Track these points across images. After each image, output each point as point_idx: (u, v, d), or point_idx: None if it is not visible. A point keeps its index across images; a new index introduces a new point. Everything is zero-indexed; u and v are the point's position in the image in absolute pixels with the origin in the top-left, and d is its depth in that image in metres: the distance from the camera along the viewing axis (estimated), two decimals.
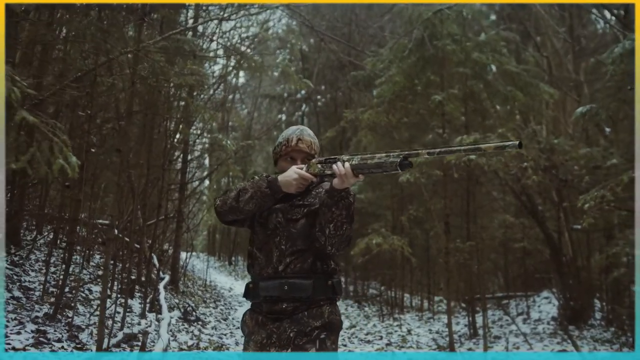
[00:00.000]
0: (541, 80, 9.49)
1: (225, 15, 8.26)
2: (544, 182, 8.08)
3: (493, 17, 14.69)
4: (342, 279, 7.72)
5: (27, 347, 5.25)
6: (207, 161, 16.98)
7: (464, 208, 9.53)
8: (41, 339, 5.56)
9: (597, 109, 5.60)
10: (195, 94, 8.59)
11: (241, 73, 17.18)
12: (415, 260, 11.33)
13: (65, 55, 7.66)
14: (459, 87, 8.47)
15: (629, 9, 7.37)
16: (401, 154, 2.04)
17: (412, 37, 8.09)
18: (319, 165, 2.30)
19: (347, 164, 2.15)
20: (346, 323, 10.68)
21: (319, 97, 20.61)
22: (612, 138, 9.90)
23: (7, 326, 5.68)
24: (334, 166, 2.18)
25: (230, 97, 17.08)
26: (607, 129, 10.49)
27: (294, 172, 2.30)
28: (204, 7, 10.77)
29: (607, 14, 10.32)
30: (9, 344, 5.21)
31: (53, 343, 5.60)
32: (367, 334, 9.83)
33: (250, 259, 2.47)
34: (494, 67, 9.17)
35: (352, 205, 2.23)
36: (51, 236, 9.53)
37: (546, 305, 10.54)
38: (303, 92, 20.27)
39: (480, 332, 8.89)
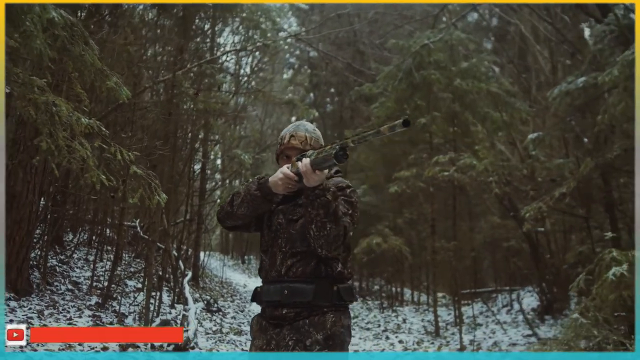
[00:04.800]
0: (521, 98, 10.66)
1: (240, 46, 9.55)
2: (509, 192, 9.30)
3: (494, 23, 15.69)
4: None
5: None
6: (219, 162, 17.89)
7: (451, 212, 10.75)
8: (98, 322, 6.89)
9: (544, 135, 6.81)
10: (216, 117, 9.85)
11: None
12: (411, 258, 12.51)
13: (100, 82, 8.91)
14: (445, 107, 9.69)
15: (581, 45, 8.50)
16: (336, 145, 1.91)
17: (402, 67, 9.33)
18: (298, 163, 2.06)
19: (305, 160, 1.99)
20: None
21: (327, 99, 21.68)
22: (589, 148, 11.01)
23: (68, 311, 7.02)
24: (298, 163, 2.02)
25: (241, 100, 17.62)
26: (585, 139, 11.61)
27: (280, 172, 2.13)
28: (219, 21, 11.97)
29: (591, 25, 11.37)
30: (73, 324, 6.54)
31: (107, 326, 6.93)
32: (367, 323, 11.03)
33: (260, 261, 2.37)
34: None
35: (332, 204, 2.02)
36: (86, 237, 10.93)
37: (529, 299, 11.68)
38: (312, 95, 21.59)
39: (465, 320, 10.14)
